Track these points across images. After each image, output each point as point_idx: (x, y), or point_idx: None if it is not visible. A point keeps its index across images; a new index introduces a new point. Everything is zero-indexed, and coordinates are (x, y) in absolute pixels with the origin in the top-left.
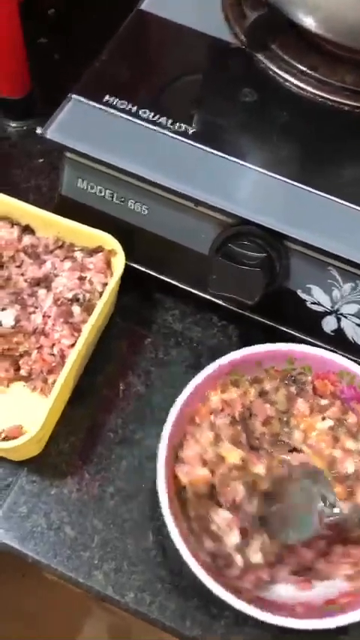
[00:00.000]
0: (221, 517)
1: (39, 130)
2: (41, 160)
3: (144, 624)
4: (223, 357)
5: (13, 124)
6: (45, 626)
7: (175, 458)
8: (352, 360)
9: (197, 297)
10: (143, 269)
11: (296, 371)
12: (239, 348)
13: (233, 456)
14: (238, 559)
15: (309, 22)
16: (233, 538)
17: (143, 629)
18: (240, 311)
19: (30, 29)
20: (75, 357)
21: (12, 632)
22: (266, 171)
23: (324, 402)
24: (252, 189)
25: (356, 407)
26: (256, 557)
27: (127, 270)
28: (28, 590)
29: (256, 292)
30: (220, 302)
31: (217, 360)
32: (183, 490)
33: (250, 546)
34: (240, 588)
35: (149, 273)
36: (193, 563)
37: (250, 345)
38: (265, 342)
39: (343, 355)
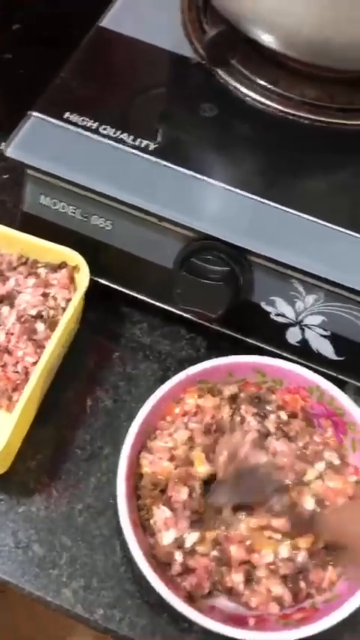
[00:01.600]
0: (161, 513)
1: (3, 146)
2: (6, 176)
3: None
4: (191, 367)
5: None
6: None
7: (141, 446)
8: (317, 371)
9: (164, 311)
10: (109, 284)
11: (267, 384)
12: (207, 359)
13: (202, 468)
14: (177, 556)
15: (267, 39)
16: (167, 537)
17: None
18: (206, 324)
19: None
20: (39, 374)
21: None
22: (228, 186)
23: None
24: (214, 204)
25: (324, 424)
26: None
27: (94, 284)
28: (8, 606)
29: (220, 306)
30: (186, 315)
31: (185, 370)
32: (140, 477)
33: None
34: (193, 596)
35: (115, 288)
36: (140, 558)
37: (218, 357)
38: (233, 354)
39: (307, 366)
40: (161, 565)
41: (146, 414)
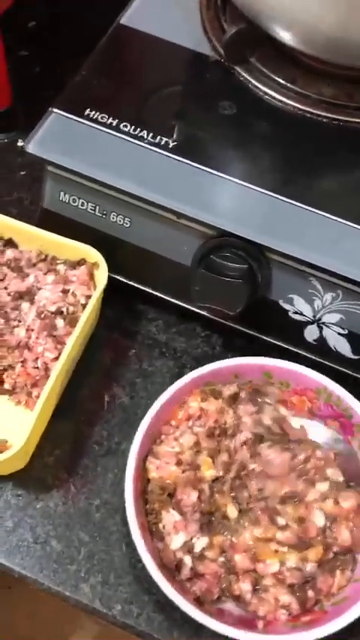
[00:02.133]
0: (170, 517)
1: (20, 143)
2: (23, 173)
3: (130, 635)
4: (195, 370)
5: None
6: (33, 637)
7: (147, 451)
8: (334, 369)
9: (180, 308)
10: (126, 281)
11: (275, 386)
12: (223, 357)
13: (209, 472)
14: (187, 560)
15: (287, 36)
16: (176, 540)
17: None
18: (223, 321)
19: (10, 42)
20: (59, 370)
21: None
22: (246, 184)
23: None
24: (233, 201)
25: (330, 425)
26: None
27: (111, 282)
28: (14, 602)
29: (239, 303)
30: (203, 312)
31: (189, 373)
32: (147, 484)
33: (195, 548)
34: (202, 601)
35: (132, 285)
36: (148, 561)
37: (234, 355)
38: (249, 351)
39: (325, 365)
40: (170, 569)
41: (152, 419)
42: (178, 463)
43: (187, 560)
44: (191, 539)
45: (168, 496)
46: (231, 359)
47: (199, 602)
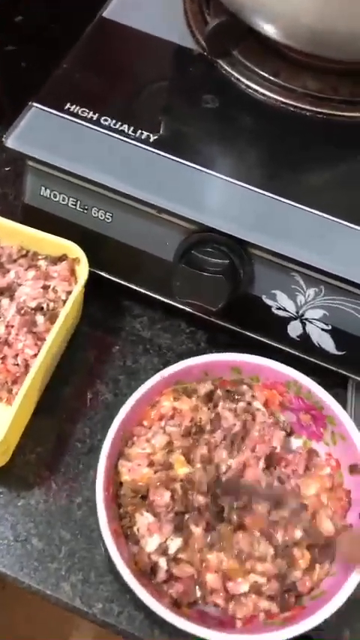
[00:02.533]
0: (144, 519)
1: (4, 139)
2: (7, 169)
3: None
4: (165, 369)
5: None
6: (31, 637)
7: (119, 454)
8: (318, 365)
9: (164, 304)
10: (109, 276)
11: (243, 381)
12: (208, 353)
13: (182, 470)
14: (162, 563)
15: (270, 29)
16: (151, 543)
17: None
18: (207, 317)
19: None
20: (38, 366)
21: None
22: (228, 178)
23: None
24: (214, 196)
25: (303, 418)
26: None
27: (94, 278)
28: (6, 605)
29: (220, 299)
30: (186, 308)
31: (160, 372)
32: (119, 486)
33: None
34: (179, 602)
35: (115, 281)
36: (122, 567)
37: (218, 352)
38: (233, 348)
39: (308, 361)
40: (146, 572)
41: (121, 421)
42: (150, 464)
43: (163, 562)
44: (165, 540)
45: (141, 498)
46: (200, 356)
47: (176, 604)
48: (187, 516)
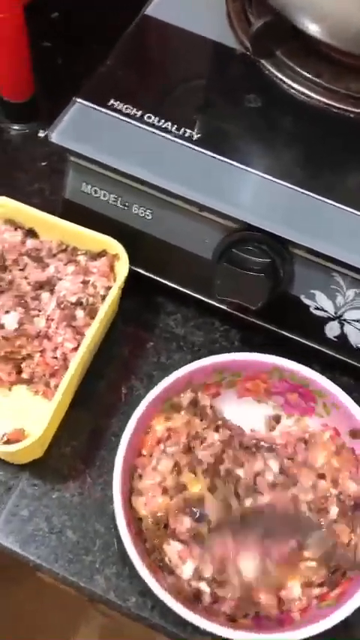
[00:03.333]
0: (172, 548)
1: (41, 134)
2: (44, 164)
3: (135, 626)
4: (150, 392)
5: (16, 127)
6: (40, 630)
7: (130, 490)
8: (354, 367)
9: (199, 302)
10: (146, 273)
11: (226, 380)
12: (241, 351)
13: (196, 487)
14: (204, 587)
15: (315, 29)
16: (187, 570)
17: (135, 631)
18: (243, 316)
19: (33, 32)
20: (78, 361)
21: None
22: (270, 177)
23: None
24: (256, 194)
25: (290, 398)
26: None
27: (131, 274)
28: (22, 594)
29: (260, 297)
30: (223, 307)
31: (145, 397)
32: (139, 522)
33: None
34: (233, 616)
35: (152, 278)
36: (167, 598)
37: (251, 350)
38: (267, 347)
39: (346, 361)
40: (190, 599)
41: (124, 458)
42: (164, 492)
43: (204, 587)
44: (199, 564)
45: (164, 528)
46: (180, 369)
47: (232, 619)
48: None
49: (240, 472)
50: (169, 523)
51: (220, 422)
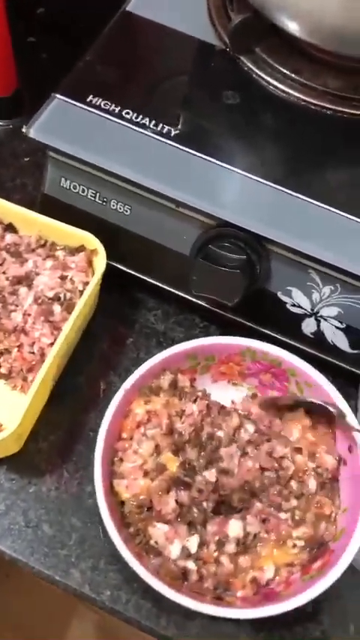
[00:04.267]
0: (158, 531)
1: (25, 129)
2: (27, 159)
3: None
4: (126, 381)
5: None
6: (32, 626)
7: (111, 474)
8: (331, 364)
9: (180, 298)
10: (125, 269)
11: (200, 365)
12: None
13: (175, 465)
14: (191, 565)
15: (293, 26)
16: (175, 550)
17: (130, 628)
18: (221, 312)
19: (19, 27)
20: (54, 355)
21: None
22: (248, 174)
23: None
24: (233, 191)
25: (264, 378)
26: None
27: (110, 269)
28: (12, 590)
29: (236, 294)
30: (201, 303)
31: (122, 385)
32: (121, 506)
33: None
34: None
35: (132, 274)
36: (150, 579)
37: None
38: None
39: (323, 358)
40: (178, 578)
41: (103, 445)
42: (145, 474)
43: (191, 565)
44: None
45: (148, 510)
46: (154, 356)
47: (219, 597)
48: (196, 510)
49: (220, 434)
50: (152, 505)
51: (199, 394)
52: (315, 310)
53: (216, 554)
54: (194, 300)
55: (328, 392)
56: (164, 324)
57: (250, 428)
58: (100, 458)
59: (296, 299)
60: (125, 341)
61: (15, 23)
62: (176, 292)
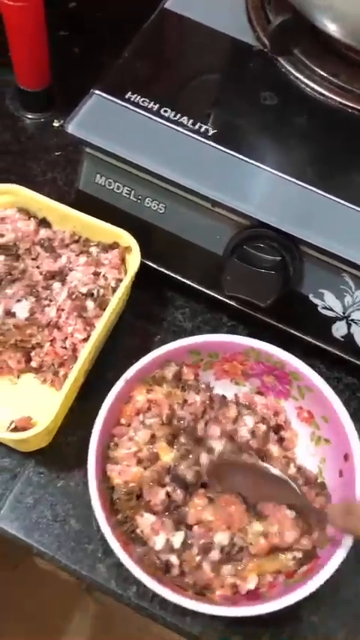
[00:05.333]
0: (145, 520)
1: (56, 123)
2: (58, 154)
3: (126, 613)
4: (128, 370)
5: (30, 116)
6: (36, 616)
7: (105, 458)
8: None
9: (208, 297)
10: (157, 267)
11: (204, 361)
12: None
13: (167, 456)
14: (174, 559)
15: (333, 28)
16: (159, 541)
17: (126, 617)
18: (251, 312)
19: (51, 21)
20: (88, 351)
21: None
22: (284, 175)
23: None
24: (270, 192)
25: (267, 380)
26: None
27: (141, 266)
28: (20, 582)
29: (270, 295)
30: (231, 302)
31: (123, 375)
32: (112, 491)
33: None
34: (203, 591)
35: (162, 271)
36: (129, 564)
37: None
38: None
39: (350, 362)
40: (161, 569)
41: (100, 431)
42: (139, 462)
43: (174, 559)
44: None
45: (137, 498)
46: (158, 348)
47: (201, 592)
48: (187, 508)
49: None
50: (142, 494)
51: (203, 386)
52: (347, 314)
53: (198, 558)
54: (224, 299)
55: (330, 400)
56: (192, 322)
57: (250, 421)
58: (96, 442)
59: (328, 302)
60: (153, 338)
61: (47, 17)
62: (206, 291)
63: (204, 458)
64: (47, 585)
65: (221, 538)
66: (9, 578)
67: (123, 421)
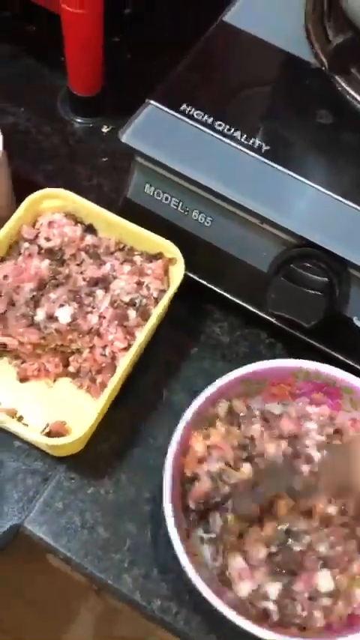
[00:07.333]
0: (237, 564)
1: (105, 129)
2: (104, 159)
3: (132, 616)
4: (181, 420)
5: (80, 120)
6: (44, 609)
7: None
8: None
9: (248, 312)
10: (199, 279)
11: (252, 388)
12: None
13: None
14: (272, 606)
15: None
16: (244, 588)
17: (130, 619)
18: (291, 331)
19: (105, 27)
20: (128, 362)
21: (14, 614)
22: (335, 195)
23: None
24: (320, 212)
25: (315, 397)
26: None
27: (183, 278)
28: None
29: (315, 316)
30: (271, 319)
31: (179, 424)
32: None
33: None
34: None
35: (204, 284)
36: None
37: None
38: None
39: None
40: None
41: (170, 483)
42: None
43: (272, 606)
44: (259, 586)
45: (239, 538)
46: (207, 389)
47: (304, 629)
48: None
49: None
50: (244, 538)
51: (257, 413)
52: None
53: (305, 613)
54: (264, 315)
55: None
56: (229, 336)
57: (312, 425)
58: (172, 514)
59: None
60: (190, 350)
61: None
62: (247, 306)
63: (305, 468)
64: (56, 583)
65: (325, 583)
66: (21, 573)
67: (187, 473)
